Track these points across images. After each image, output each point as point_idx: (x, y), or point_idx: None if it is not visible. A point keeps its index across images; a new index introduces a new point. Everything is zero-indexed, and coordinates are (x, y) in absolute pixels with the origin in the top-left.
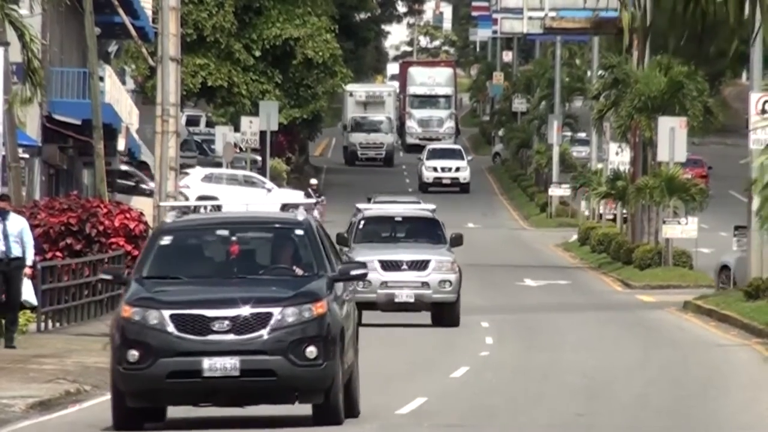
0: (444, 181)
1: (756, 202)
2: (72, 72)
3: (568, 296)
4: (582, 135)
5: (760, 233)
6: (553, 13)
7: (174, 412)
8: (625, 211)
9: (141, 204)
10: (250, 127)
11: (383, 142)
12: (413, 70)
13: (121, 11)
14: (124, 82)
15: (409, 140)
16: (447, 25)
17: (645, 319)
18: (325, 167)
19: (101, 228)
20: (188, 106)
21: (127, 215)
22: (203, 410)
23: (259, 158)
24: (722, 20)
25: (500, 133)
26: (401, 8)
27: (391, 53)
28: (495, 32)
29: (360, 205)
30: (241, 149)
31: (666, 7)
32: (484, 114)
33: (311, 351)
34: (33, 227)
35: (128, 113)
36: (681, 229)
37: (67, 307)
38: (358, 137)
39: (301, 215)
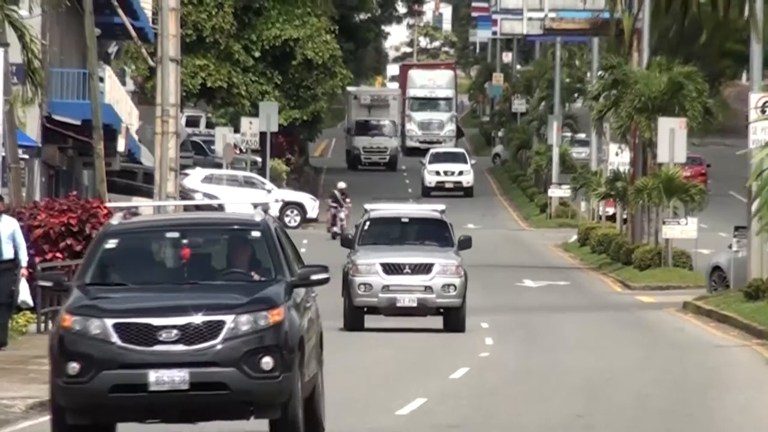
0: (447, 186)
1: (755, 203)
2: (72, 73)
3: (568, 297)
4: (582, 136)
5: (761, 236)
6: (552, 14)
7: (123, 429)
8: (625, 212)
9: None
10: (250, 128)
11: (387, 146)
12: (413, 73)
13: (120, 12)
14: (123, 83)
15: (409, 143)
16: (447, 26)
17: (644, 320)
18: (324, 168)
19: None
20: (188, 106)
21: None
22: (151, 427)
23: (259, 159)
24: (706, 16)
25: (500, 134)
26: (401, 9)
27: (391, 54)
28: (495, 33)
29: (368, 206)
30: (241, 150)
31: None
32: (484, 115)
33: (267, 362)
34: (33, 228)
35: (128, 114)
36: (681, 230)
37: None
38: (361, 141)
39: (258, 216)
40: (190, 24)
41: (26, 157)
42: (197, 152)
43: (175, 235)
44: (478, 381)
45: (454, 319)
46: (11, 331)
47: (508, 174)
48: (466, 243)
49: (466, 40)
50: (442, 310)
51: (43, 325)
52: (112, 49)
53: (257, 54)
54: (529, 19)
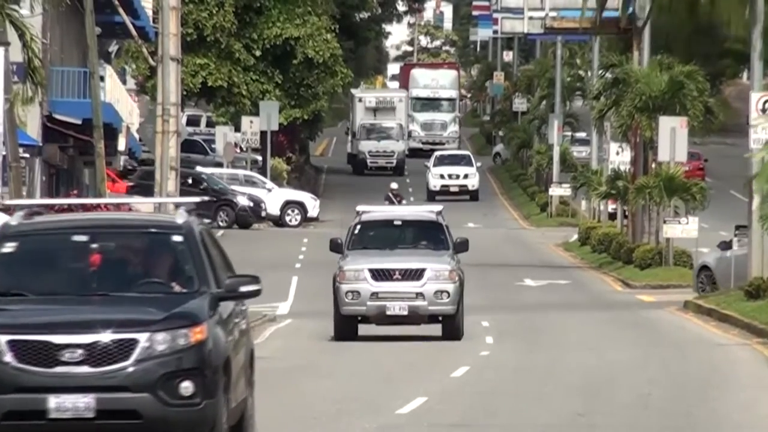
0: (452, 189)
1: (756, 200)
2: (72, 71)
3: (569, 296)
4: (582, 135)
5: (761, 232)
6: (553, 13)
7: None
8: (626, 208)
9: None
10: (251, 127)
11: (394, 150)
12: (416, 72)
13: (121, 11)
14: (124, 82)
15: (412, 144)
16: (447, 24)
17: (645, 319)
18: (325, 167)
19: None
20: (189, 106)
21: None
22: None
23: (259, 158)
24: (715, 16)
25: (501, 133)
26: (401, 7)
27: (392, 53)
28: (495, 32)
29: (360, 208)
30: (241, 149)
31: (660, 2)
32: (485, 114)
33: (186, 387)
34: None
35: (128, 113)
36: (681, 229)
37: None
38: (367, 145)
39: (180, 218)
40: (190, 23)
41: (27, 156)
42: (187, 150)
43: (84, 238)
44: (478, 380)
45: (448, 327)
46: None
47: (508, 173)
48: (462, 246)
49: (466, 39)
50: (440, 318)
51: None
52: (113, 48)
53: (258, 53)
54: (530, 18)
